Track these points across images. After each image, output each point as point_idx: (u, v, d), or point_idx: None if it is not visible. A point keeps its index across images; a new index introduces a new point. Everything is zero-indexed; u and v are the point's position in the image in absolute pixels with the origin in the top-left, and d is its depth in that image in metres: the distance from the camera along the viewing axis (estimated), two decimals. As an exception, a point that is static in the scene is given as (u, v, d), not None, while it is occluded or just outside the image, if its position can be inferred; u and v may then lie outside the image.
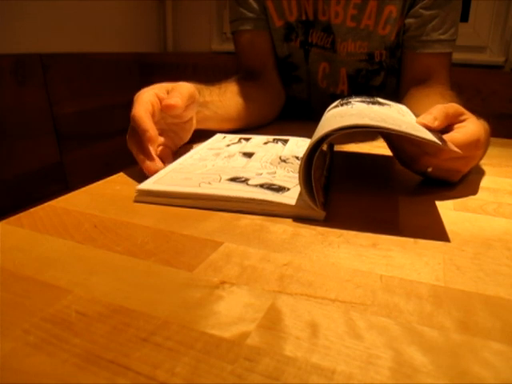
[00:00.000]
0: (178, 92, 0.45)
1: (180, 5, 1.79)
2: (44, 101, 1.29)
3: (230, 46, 1.60)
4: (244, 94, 0.69)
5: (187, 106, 0.47)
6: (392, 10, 0.71)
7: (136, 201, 0.38)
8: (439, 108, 0.41)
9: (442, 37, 0.71)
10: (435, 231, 0.34)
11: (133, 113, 0.43)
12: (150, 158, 0.43)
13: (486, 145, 0.45)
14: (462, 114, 0.42)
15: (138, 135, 0.43)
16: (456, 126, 0.41)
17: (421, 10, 0.71)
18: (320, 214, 0.35)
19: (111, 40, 1.59)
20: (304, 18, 0.76)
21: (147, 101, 0.44)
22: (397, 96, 0.76)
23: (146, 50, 1.76)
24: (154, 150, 0.44)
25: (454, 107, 0.42)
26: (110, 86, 1.56)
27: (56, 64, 1.32)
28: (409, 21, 0.72)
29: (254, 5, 0.76)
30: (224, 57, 1.60)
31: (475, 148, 0.41)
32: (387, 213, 0.37)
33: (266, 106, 0.78)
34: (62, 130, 1.35)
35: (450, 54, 0.74)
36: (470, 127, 0.41)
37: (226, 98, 0.64)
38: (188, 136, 0.54)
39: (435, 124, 0.39)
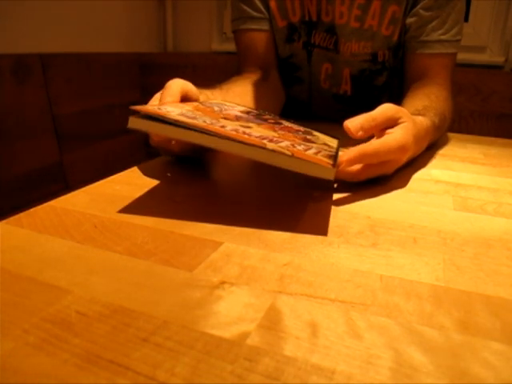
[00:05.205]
0: (168, 94, 0.44)
1: (180, 5, 1.79)
2: (44, 101, 1.29)
3: (230, 46, 1.61)
4: (249, 93, 0.69)
5: (183, 102, 0.45)
6: (396, 10, 0.71)
7: (130, 127, 0.34)
8: (366, 116, 0.42)
9: (443, 37, 0.71)
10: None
11: None
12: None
13: (420, 146, 0.51)
14: (398, 118, 0.44)
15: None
16: (387, 131, 0.44)
17: (421, 11, 0.70)
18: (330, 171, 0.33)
19: (111, 40, 1.59)
20: (307, 18, 0.76)
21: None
22: (400, 96, 0.76)
23: (146, 50, 1.76)
24: None
25: (387, 114, 0.44)
26: (110, 86, 1.56)
27: (56, 64, 1.32)
28: (409, 21, 0.72)
29: (259, 4, 0.76)
30: (224, 57, 1.60)
31: (400, 153, 0.44)
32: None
33: (270, 107, 0.77)
34: (62, 130, 1.35)
35: (452, 54, 0.73)
36: (398, 133, 0.43)
37: (229, 98, 0.64)
38: None
39: (359, 134, 0.41)
